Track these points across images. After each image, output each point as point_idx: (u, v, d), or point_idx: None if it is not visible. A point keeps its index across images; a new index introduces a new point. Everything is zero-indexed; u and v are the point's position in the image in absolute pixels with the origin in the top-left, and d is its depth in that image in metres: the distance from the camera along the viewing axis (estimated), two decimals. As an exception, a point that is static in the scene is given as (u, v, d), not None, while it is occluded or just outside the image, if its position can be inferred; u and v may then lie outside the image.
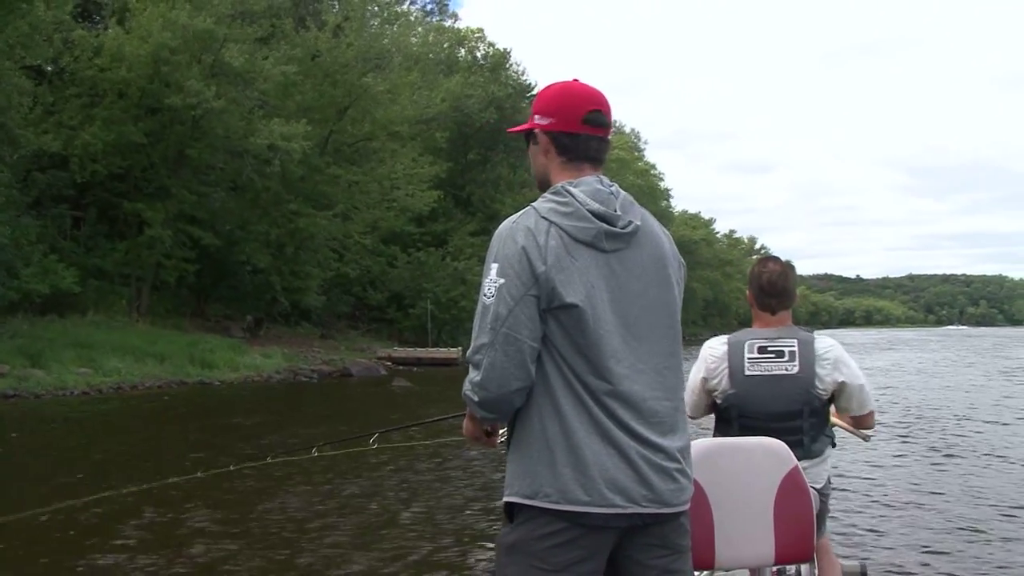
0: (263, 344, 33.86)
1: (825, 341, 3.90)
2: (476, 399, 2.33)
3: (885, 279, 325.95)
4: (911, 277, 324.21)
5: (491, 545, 7.08)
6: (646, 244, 2.44)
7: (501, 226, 2.39)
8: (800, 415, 3.78)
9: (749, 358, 3.82)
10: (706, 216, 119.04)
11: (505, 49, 54.95)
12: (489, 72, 51.21)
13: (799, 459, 3.72)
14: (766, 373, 3.79)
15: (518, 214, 2.39)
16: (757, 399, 3.78)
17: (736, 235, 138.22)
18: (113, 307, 30.93)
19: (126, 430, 16.57)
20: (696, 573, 3.07)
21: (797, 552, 3.17)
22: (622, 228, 2.37)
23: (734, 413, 3.83)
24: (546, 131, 2.49)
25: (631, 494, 2.27)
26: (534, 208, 2.38)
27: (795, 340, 3.85)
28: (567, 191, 2.38)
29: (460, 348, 39.63)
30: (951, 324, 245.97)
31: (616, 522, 2.28)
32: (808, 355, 3.81)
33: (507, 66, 54.17)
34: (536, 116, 2.51)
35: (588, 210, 2.34)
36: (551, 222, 2.32)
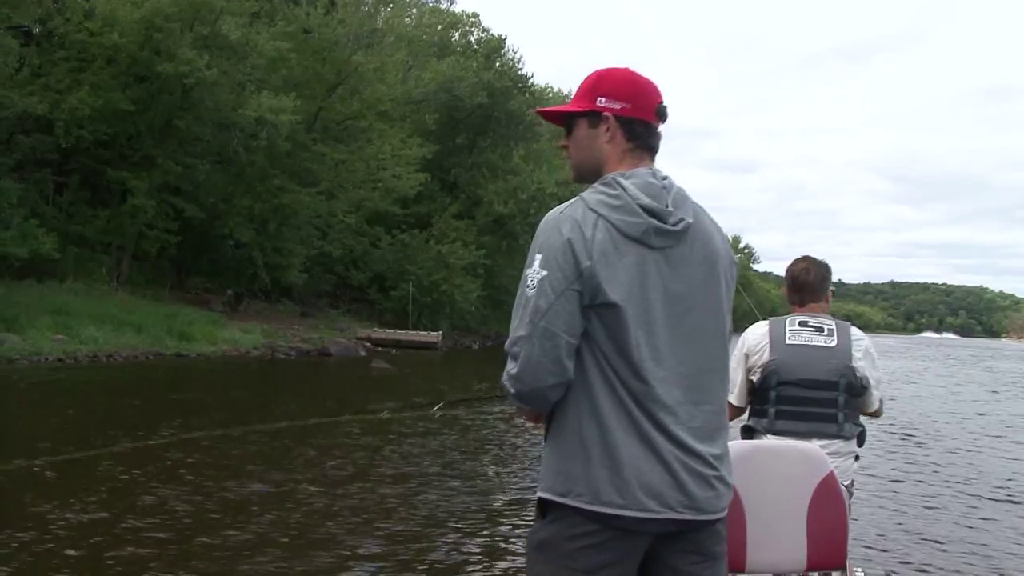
0: (242, 319, 33.64)
1: (858, 331, 4.04)
2: (512, 391, 2.28)
3: (867, 285, 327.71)
4: (892, 284, 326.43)
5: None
6: (697, 242, 2.33)
7: (547, 216, 2.29)
8: (837, 387, 3.88)
9: (790, 330, 3.99)
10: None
11: (500, 35, 54.72)
12: (483, 58, 50.95)
13: (832, 437, 3.85)
14: (807, 343, 3.93)
15: (565, 204, 2.30)
16: (797, 365, 3.89)
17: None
18: (92, 275, 30.63)
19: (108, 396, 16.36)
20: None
21: (830, 559, 3.11)
22: (673, 225, 2.27)
23: (773, 381, 3.91)
24: (619, 116, 2.34)
25: (666, 499, 2.19)
26: (582, 199, 2.28)
27: (833, 321, 4.03)
28: (618, 183, 2.27)
29: (440, 332, 39.86)
30: (931, 332, 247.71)
31: (650, 527, 2.20)
32: (845, 335, 3.97)
33: (502, 53, 53.89)
34: (602, 99, 2.35)
35: (639, 204, 2.24)
36: (599, 215, 2.23)
